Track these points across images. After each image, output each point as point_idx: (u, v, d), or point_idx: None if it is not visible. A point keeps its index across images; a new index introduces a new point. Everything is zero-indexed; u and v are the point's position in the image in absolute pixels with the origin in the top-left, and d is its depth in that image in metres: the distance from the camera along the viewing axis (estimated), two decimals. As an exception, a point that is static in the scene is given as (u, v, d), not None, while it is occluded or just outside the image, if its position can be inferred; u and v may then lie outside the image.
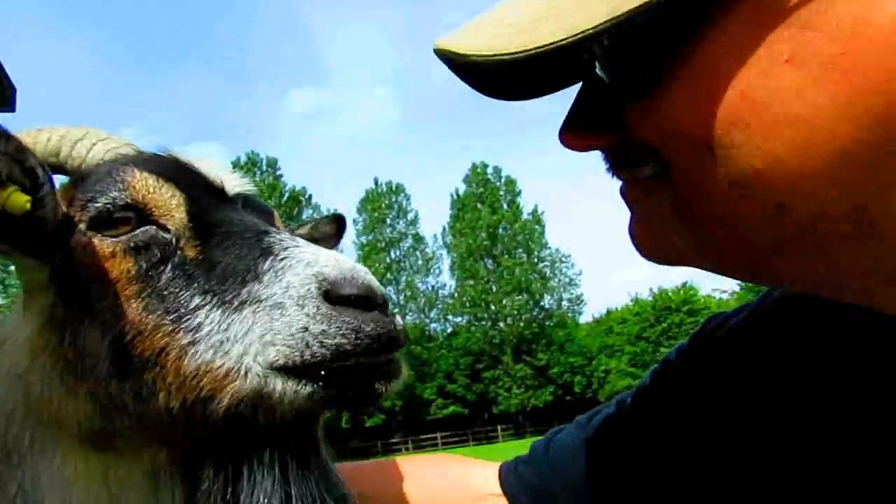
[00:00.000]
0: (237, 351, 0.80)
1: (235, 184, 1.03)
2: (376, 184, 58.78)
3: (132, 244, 0.91)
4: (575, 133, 0.57)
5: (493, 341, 52.36)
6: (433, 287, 56.43)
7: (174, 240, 0.91)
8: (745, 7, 0.46)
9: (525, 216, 56.20)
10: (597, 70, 0.53)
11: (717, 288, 52.05)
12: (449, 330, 55.37)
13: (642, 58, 0.50)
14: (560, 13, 0.48)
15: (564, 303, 55.27)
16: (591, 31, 0.46)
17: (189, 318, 0.84)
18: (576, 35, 0.46)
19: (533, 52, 0.47)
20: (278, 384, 0.79)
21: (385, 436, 48.57)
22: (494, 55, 0.49)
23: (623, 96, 0.53)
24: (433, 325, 55.83)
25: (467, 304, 54.13)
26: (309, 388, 0.79)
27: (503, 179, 57.49)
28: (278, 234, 0.90)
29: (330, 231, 1.30)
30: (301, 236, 1.14)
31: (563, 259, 55.86)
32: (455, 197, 57.52)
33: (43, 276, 0.94)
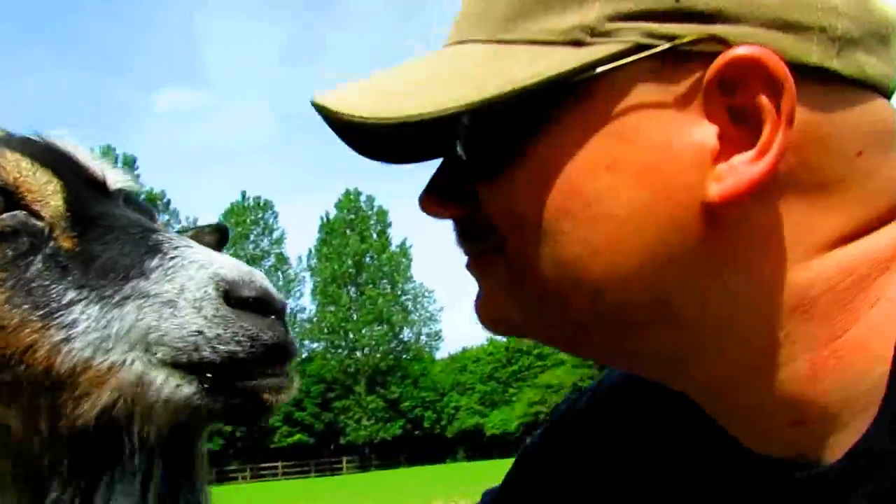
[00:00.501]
0: (120, 347, 0.75)
1: (117, 179, 0.96)
2: (243, 197, 56.55)
3: None
4: (432, 200, 0.63)
5: (347, 370, 51.57)
6: (292, 309, 54.80)
7: (47, 229, 0.82)
8: (577, 114, 0.54)
9: (393, 248, 56.60)
10: (456, 146, 0.59)
11: (566, 335, 55.18)
12: (304, 355, 53.81)
13: (492, 142, 0.57)
14: (430, 89, 0.55)
15: (423, 337, 55.98)
16: (453, 110, 0.52)
17: (62, 314, 0.77)
18: (440, 111, 0.52)
19: (399, 119, 0.53)
20: (159, 376, 0.74)
21: (221, 463, 45.69)
22: (363, 118, 0.54)
23: (473, 174, 0.59)
24: (287, 350, 54.04)
25: (326, 330, 53.11)
26: (191, 388, 0.74)
27: (375, 209, 57.69)
28: (166, 232, 0.85)
29: (211, 241, 1.22)
30: None
31: (427, 294, 56.76)
32: (325, 220, 56.73)
33: None
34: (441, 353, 58.46)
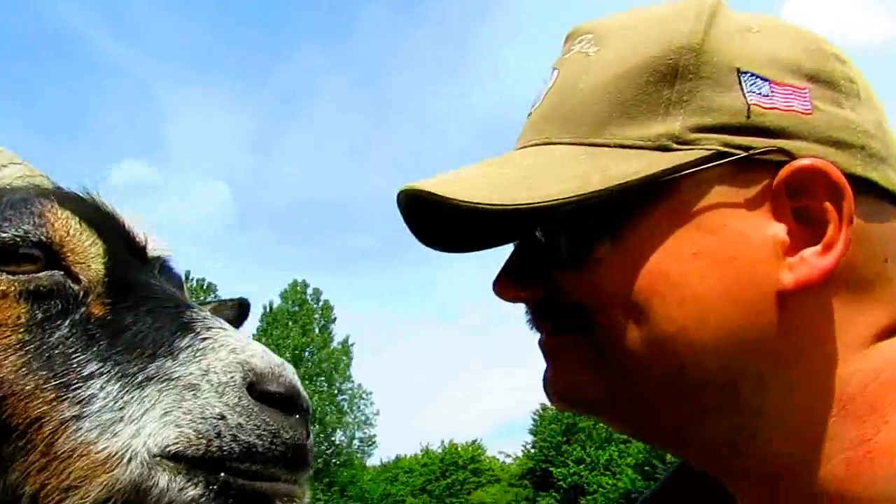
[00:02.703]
0: (127, 432, 0.70)
1: (157, 246, 0.93)
2: (187, 278, 54.94)
3: (31, 287, 0.77)
4: (507, 285, 0.69)
5: (271, 472, 48.47)
6: (220, 401, 51.86)
7: (82, 293, 0.79)
8: (665, 209, 0.62)
9: (335, 344, 55.27)
10: (537, 234, 0.67)
11: (503, 451, 54.06)
12: (226, 451, 50.46)
13: (583, 233, 0.64)
14: (538, 182, 0.62)
15: (356, 441, 53.60)
16: (562, 200, 0.60)
17: (79, 387, 0.72)
18: (550, 200, 0.60)
19: (513, 207, 0.60)
20: (163, 478, 0.69)
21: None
22: (475, 203, 0.60)
23: (560, 262, 0.66)
24: (209, 444, 50.57)
25: (253, 426, 50.25)
26: (198, 490, 0.70)
27: (321, 303, 56.77)
28: (201, 310, 0.81)
29: (231, 316, 1.19)
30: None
31: (364, 396, 54.98)
32: (267, 310, 55.29)
33: None
34: (373, 460, 55.94)
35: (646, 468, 35.40)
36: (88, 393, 0.72)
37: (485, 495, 46.88)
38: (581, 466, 42.70)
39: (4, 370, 0.72)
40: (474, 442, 53.90)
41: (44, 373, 0.73)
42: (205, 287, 54.47)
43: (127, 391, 0.72)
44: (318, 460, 49.87)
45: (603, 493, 37.79)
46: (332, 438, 51.99)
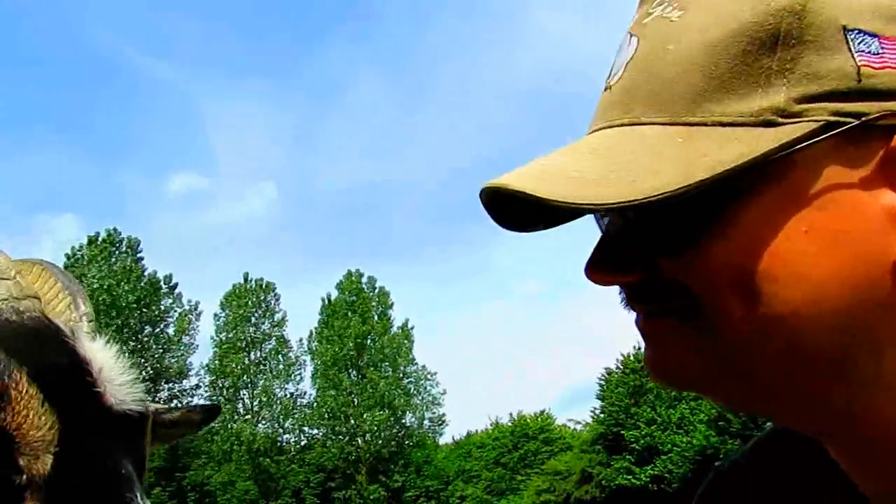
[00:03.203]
0: None
1: (124, 398, 0.83)
2: (246, 279, 56.54)
3: None
4: (601, 270, 0.65)
5: (348, 458, 49.88)
6: (292, 394, 53.58)
7: (23, 487, 0.71)
8: (773, 187, 0.58)
9: (395, 329, 56.14)
10: (629, 216, 0.63)
11: (572, 419, 54.05)
12: (303, 442, 52.20)
13: (687, 217, 0.60)
14: (634, 175, 0.57)
15: (426, 422, 54.55)
16: (666, 195, 0.55)
17: None
18: (651, 196, 0.55)
19: (618, 205, 0.56)
20: None
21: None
22: (577, 203, 0.56)
23: (661, 247, 0.62)
24: (286, 437, 52.43)
25: (326, 416, 51.73)
26: None
27: (377, 290, 57.64)
28: (136, 498, 0.73)
29: (197, 419, 1.15)
30: (168, 420, 1.04)
31: (429, 377, 55.79)
32: (326, 302, 56.52)
33: None
34: (445, 438, 56.86)
35: (720, 423, 34.78)
36: None
37: (558, 464, 47.02)
38: (653, 427, 42.27)
39: None
40: (542, 412, 54.12)
41: None
42: (263, 286, 56.07)
43: None
44: (392, 443, 51.12)
45: (678, 452, 37.37)
46: (403, 421, 53.09)
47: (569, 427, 53.19)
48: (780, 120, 0.56)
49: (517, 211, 0.65)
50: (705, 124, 0.58)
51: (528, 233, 0.69)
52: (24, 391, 0.73)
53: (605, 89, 0.67)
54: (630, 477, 40.23)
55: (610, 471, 43.63)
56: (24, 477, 0.71)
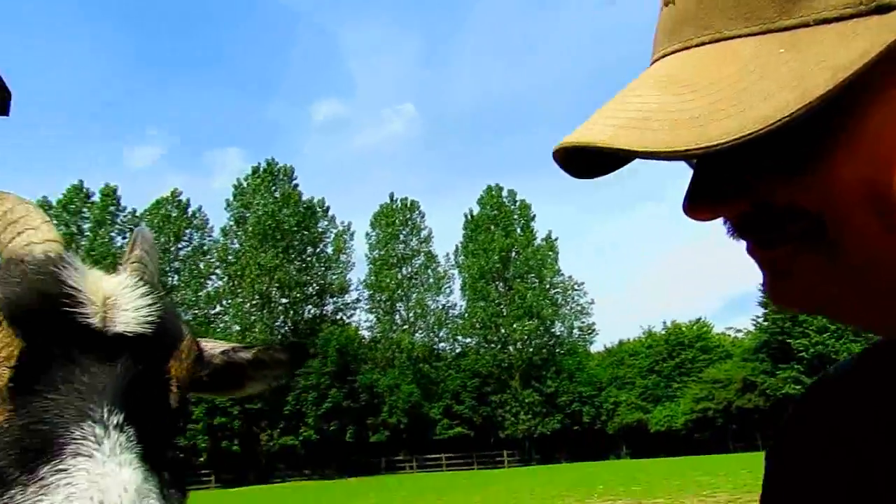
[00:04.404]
0: None
1: (125, 320, 0.82)
2: (391, 199, 58.80)
3: None
4: (704, 206, 0.58)
5: (501, 365, 52.15)
6: (443, 306, 56.25)
7: None
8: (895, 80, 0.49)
9: (538, 242, 56.33)
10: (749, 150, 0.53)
11: (732, 326, 52.15)
12: (458, 350, 55.11)
13: (801, 136, 0.52)
14: (741, 105, 0.48)
15: (575, 331, 55.28)
16: (785, 119, 0.46)
17: None
18: (770, 124, 0.47)
19: (728, 143, 0.47)
20: None
21: (389, 453, 48.06)
22: (678, 150, 0.48)
23: (775, 171, 0.54)
24: (442, 345, 55.59)
25: (477, 326, 54.00)
26: None
27: (517, 203, 57.71)
28: (88, 426, 0.69)
29: (282, 358, 1.12)
30: (248, 360, 1.04)
31: (576, 287, 55.98)
32: (469, 218, 57.62)
33: None
34: (596, 347, 57.45)
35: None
36: None
37: (717, 372, 46.11)
38: (825, 335, 39.93)
39: None
40: (699, 319, 52.78)
41: None
42: (409, 205, 58.12)
43: None
44: (543, 350, 52.59)
45: (856, 361, 35.16)
46: (553, 330, 54.19)
47: (728, 335, 51.72)
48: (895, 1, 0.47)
49: (589, 159, 0.57)
50: (807, 24, 0.48)
51: (597, 178, 0.60)
52: None
53: (666, 4, 0.57)
54: (799, 387, 38.60)
55: (775, 380, 42.17)
56: None
